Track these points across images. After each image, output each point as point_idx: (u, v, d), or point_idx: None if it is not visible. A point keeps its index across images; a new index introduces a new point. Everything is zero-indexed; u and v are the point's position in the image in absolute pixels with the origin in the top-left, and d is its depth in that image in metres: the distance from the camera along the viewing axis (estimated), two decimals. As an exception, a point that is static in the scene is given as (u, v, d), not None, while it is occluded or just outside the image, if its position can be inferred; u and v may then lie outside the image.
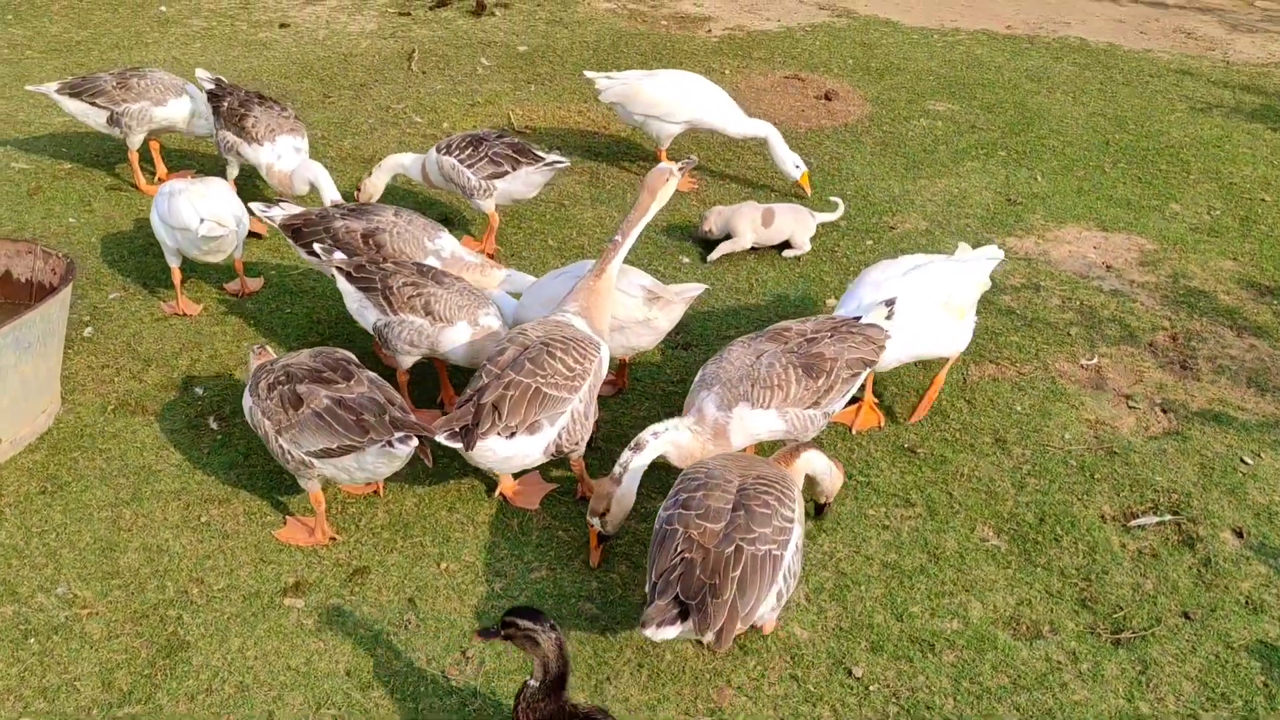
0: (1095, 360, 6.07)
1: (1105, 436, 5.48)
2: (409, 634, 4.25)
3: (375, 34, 10.76)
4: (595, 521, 4.47)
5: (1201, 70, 10.48)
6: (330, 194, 6.35)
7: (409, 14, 11.38)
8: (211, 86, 7.02)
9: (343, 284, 5.26)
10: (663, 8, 11.95)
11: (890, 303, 5.04)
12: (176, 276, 6.13)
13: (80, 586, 4.37)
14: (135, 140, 7.25)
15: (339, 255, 5.38)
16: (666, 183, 5.02)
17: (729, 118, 7.71)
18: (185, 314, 6.15)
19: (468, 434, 4.40)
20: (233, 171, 7.07)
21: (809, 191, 7.70)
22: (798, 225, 6.91)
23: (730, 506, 3.95)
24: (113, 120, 7.12)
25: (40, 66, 9.51)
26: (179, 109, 7.16)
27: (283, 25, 10.88)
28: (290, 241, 5.86)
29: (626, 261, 5.12)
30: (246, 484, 4.95)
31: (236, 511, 4.80)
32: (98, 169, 7.76)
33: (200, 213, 5.74)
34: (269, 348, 4.95)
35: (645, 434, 4.52)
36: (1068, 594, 4.57)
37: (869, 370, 4.95)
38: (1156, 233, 7.46)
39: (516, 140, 6.70)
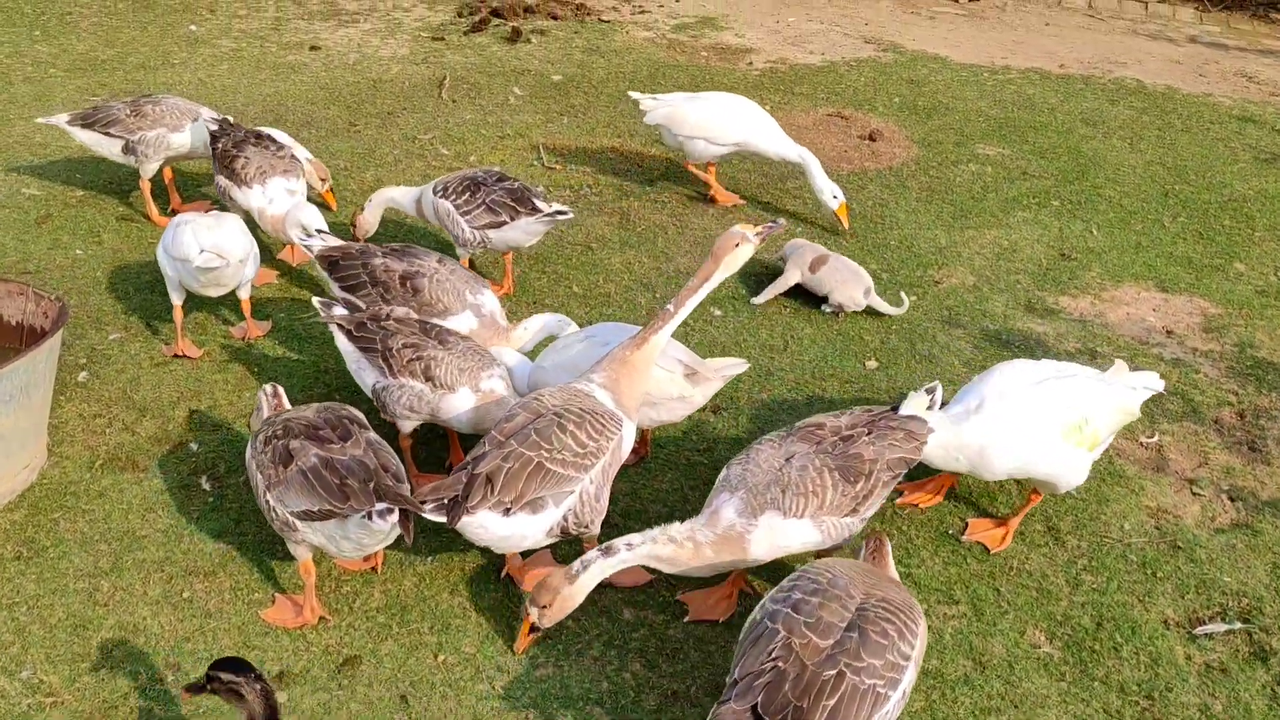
0: (1156, 438, 5.62)
1: (1167, 528, 5.03)
2: (399, 738, 3.88)
3: (407, 59, 10.48)
4: (533, 611, 4.04)
5: (1265, 117, 9.99)
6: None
7: (443, 39, 11.09)
8: (214, 127, 6.69)
9: (341, 342, 4.93)
10: (703, 38, 11.60)
11: (931, 390, 4.57)
12: (178, 315, 5.83)
13: (47, 670, 4.03)
14: (150, 168, 6.97)
15: (338, 311, 5.04)
16: (736, 249, 4.54)
17: (773, 139, 7.56)
18: (186, 356, 5.84)
19: (455, 507, 4.03)
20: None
21: (846, 224, 7.43)
22: (838, 284, 6.47)
23: (844, 624, 3.52)
24: (128, 149, 6.85)
25: (63, 86, 9.28)
26: (196, 134, 6.87)
27: (313, 48, 10.62)
28: (324, 274, 5.52)
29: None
30: (236, 554, 4.60)
31: (222, 586, 4.44)
32: (110, 197, 7.48)
33: (201, 242, 5.49)
34: (283, 390, 4.62)
35: (619, 542, 4.05)
36: (1128, 714, 4.12)
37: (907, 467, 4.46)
38: (1220, 295, 6.99)
39: (516, 185, 6.34)
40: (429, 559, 4.63)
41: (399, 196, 6.55)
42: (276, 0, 12.08)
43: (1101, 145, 9.17)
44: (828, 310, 6.59)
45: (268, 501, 4.16)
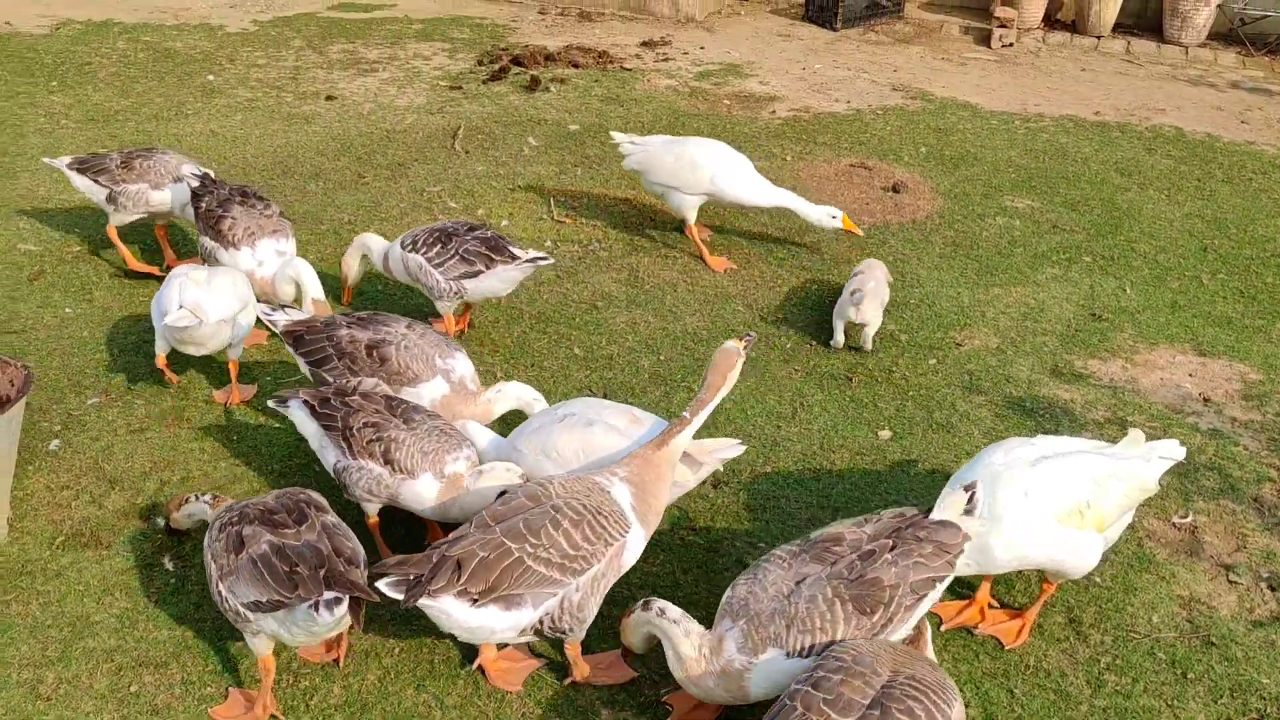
0: (1189, 518, 5.22)
1: (1201, 620, 4.63)
2: None
3: (423, 109, 10.31)
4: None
5: (1312, 167, 9.56)
6: (314, 292, 5.83)
7: (460, 88, 10.93)
8: (195, 184, 6.50)
9: (302, 420, 4.68)
10: (726, 86, 11.36)
11: (970, 488, 4.12)
12: (161, 362, 5.77)
13: (-23, 772, 3.77)
14: (120, 219, 6.85)
15: (298, 397, 4.76)
16: (735, 364, 4.32)
17: (751, 189, 7.25)
18: (173, 381, 5.89)
19: (416, 586, 3.72)
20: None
21: (859, 231, 7.40)
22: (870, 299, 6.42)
23: (867, 702, 3.24)
24: (110, 199, 6.73)
25: (73, 137, 9.20)
26: (175, 195, 6.71)
27: (329, 98, 10.50)
28: (291, 350, 5.32)
29: (641, 408, 4.42)
30: (192, 643, 4.32)
31: (173, 679, 4.16)
32: (107, 252, 7.31)
33: (182, 299, 5.39)
34: (224, 499, 4.42)
35: (679, 613, 3.86)
36: (1153, 841, 3.72)
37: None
38: (1262, 359, 6.58)
39: (490, 234, 6.13)
40: (396, 649, 4.33)
41: (373, 246, 6.34)
42: (297, 50, 12.02)
43: (1137, 196, 8.79)
44: (833, 345, 6.49)
45: (219, 591, 3.90)
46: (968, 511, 4.03)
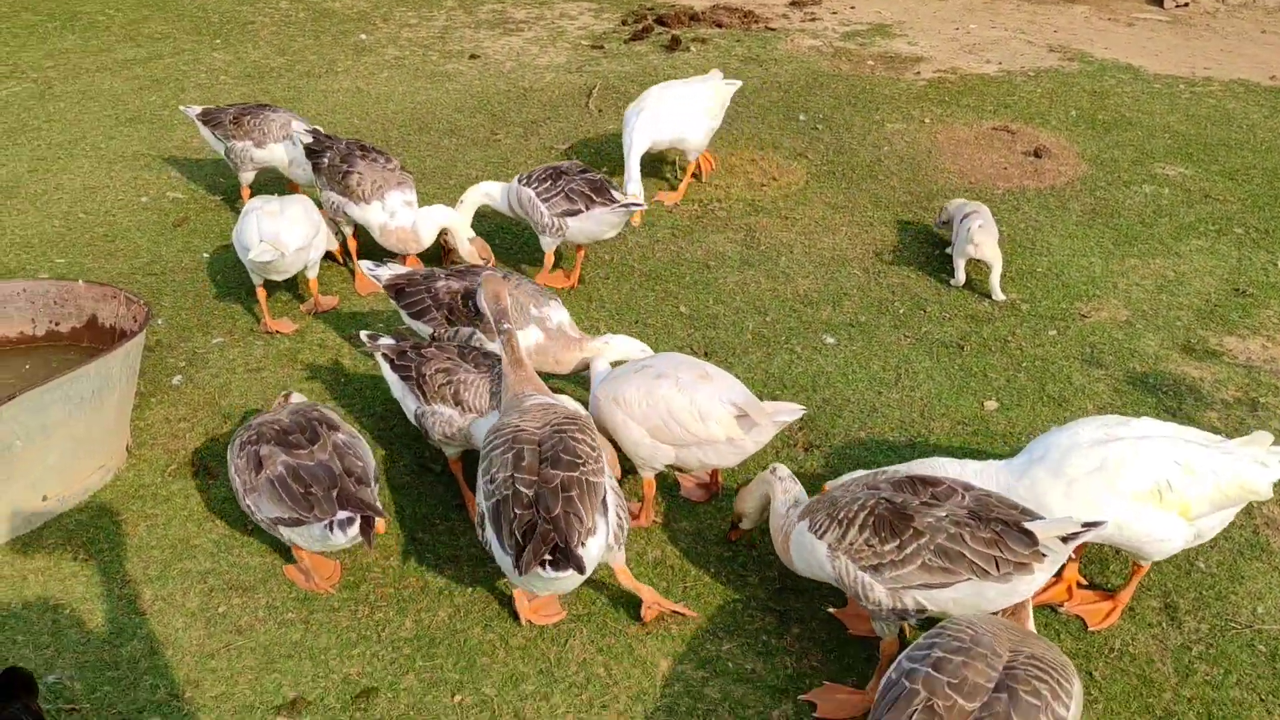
0: (1317, 507, 4.87)
1: (1313, 615, 4.32)
2: (397, 781, 3.69)
3: (563, 68, 10.41)
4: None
5: None
6: (466, 232, 6.14)
7: (602, 47, 10.97)
8: (309, 139, 6.69)
9: (386, 371, 4.88)
10: (872, 46, 11.07)
11: (1093, 525, 3.61)
12: (261, 295, 6.10)
13: (73, 676, 4.03)
14: (243, 177, 7.20)
15: (385, 341, 4.94)
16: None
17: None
18: (278, 332, 6.10)
19: (567, 554, 3.66)
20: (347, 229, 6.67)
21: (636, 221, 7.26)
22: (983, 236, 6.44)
23: (992, 685, 3.15)
24: (227, 153, 7.04)
25: (229, 93, 9.64)
26: (276, 154, 6.98)
27: (473, 56, 10.70)
28: (394, 302, 5.48)
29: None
30: (279, 571, 4.52)
31: (258, 603, 4.37)
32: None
33: (261, 234, 5.70)
34: (295, 394, 4.83)
35: (787, 473, 4.20)
36: (1224, 839, 3.51)
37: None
38: None
39: (596, 177, 6.30)
40: (469, 590, 4.44)
41: (494, 191, 6.51)
42: (448, 10, 12.27)
43: (1305, 167, 8.18)
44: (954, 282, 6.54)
45: (248, 505, 4.30)
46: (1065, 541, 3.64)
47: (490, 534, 3.86)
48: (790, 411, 4.47)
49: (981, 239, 6.34)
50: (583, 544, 3.74)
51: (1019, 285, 6.63)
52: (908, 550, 3.66)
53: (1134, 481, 3.95)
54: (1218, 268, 6.84)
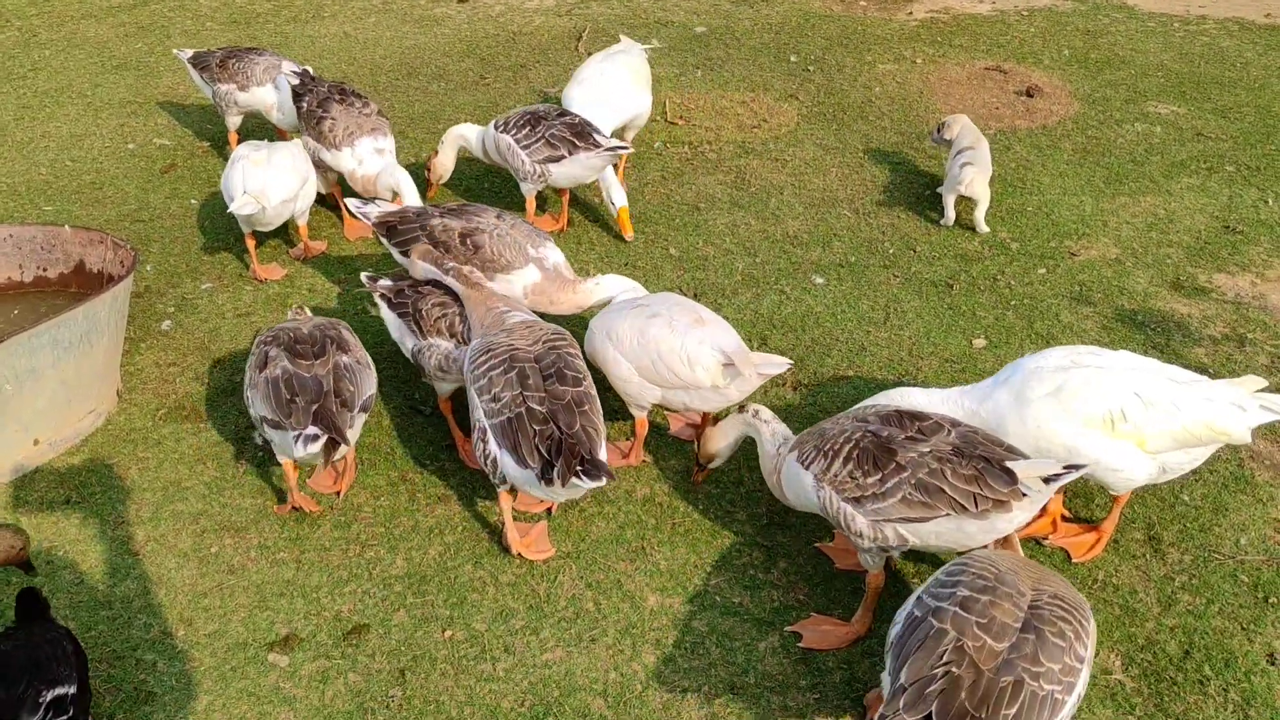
0: (1301, 441, 4.90)
1: (1295, 545, 4.37)
2: (389, 714, 3.74)
3: (552, 10, 10.30)
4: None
5: None
6: (411, 199, 5.95)
7: (592, -11, 10.85)
8: (295, 82, 6.63)
9: (384, 311, 4.89)
10: (865, -14, 10.94)
11: (1074, 468, 3.64)
12: (250, 243, 6.07)
13: (67, 616, 4.07)
14: (229, 121, 7.14)
15: (384, 282, 4.94)
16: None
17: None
18: (267, 279, 6.10)
19: (595, 464, 3.92)
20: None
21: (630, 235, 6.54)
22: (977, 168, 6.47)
23: (1019, 625, 3.16)
24: (214, 96, 6.99)
25: (216, 38, 9.54)
26: (260, 97, 6.91)
27: (461, 0, 10.58)
28: (383, 240, 5.46)
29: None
30: (271, 512, 4.56)
31: (250, 544, 4.41)
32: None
33: (246, 186, 5.67)
34: (308, 309, 4.98)
35: (769, 414, 4.21)
36: (1202, 761, 3.58)
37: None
38: None
39: (576, 120, 6.20)
40: (459, 528, 4.48)
41: (469, 135, 6.44)
42: (436, -47, 12.10)
43: (1298, 104, 8.14)
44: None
45: (247, 397, 4.50)
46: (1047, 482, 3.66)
47: (495, 449, 4.06)
48: (777, 364, 4.42)
49: (970, 177, 6.34)
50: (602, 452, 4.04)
51: (1009, 224, 6.62)
52: (889, 484, 3.70)
53: (1086, 408, 3.99)
54: (1208, 205, 6.82)
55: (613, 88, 6.79)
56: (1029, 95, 8.33)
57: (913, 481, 3.67)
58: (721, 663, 3.90)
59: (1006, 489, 3.61)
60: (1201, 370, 5.32)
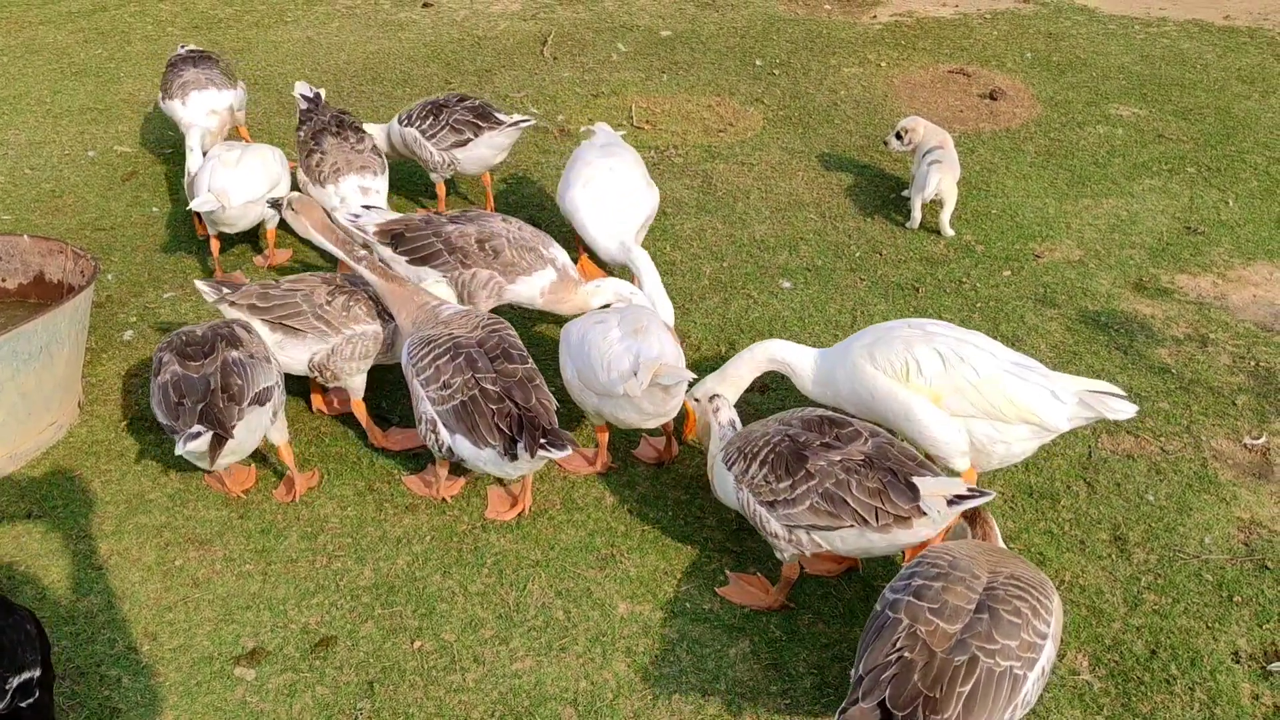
0: (1263, 440, 4.96)
1: (1258, 544, 4.41)
2: (357, 727, 3.71)
3: (516, 15, 10.28)
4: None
5: None
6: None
7: (557, -6, 10.83)
8: (305, 105, 6.39)
9: (263, 332, 4.73)
10: (829, -10, 10.99)
11: (971, 495, 3.66)
12: (214, 246, 6.04)
13: (29, 632, 4.01)
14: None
15: (229, 292, 4.81)
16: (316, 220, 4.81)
17: (592, 228, 5.61)
18: (219, 276, 6.10)
19: (556, 434, 4.09)
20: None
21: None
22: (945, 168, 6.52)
23: (972, 606, 3.21)
24: None
25: (177, 44, 9.42)
26: (171, 109, 6.71)
27: (426, 4, 10.54)
28: (385, 250, 5.22)
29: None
30: (236, 524, 4.51)
31: (215, 556, 4.36)
32: (197, 154, 7.53)
33: (211, 184, 5.66)
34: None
35: (726, 419, 4.30)
36: (1169, 760, 3.61)
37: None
38: (1371, 277, 6.16)
39: (478, 103, 6.32)
40: (427, 537, 4.45)
41: (376, 133, 6.44)
42: (400, -43, 12.04)
43: (1256, 106, 8.25)
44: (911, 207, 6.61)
45: (152, 405, 4.46)
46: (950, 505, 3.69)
47: (447, 436, 4.18)
48: (675, 375, 4.21)
49: (936, 179, 6.38)
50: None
51: (973, 227, 6.66)
52: (799, 490, 3.78)
53: (887, 356, 4.22)
54: (1170, 207, 6.90)
55: (627, 186, 5.74)
56: (992, 98, 8.39)
57: (819, 491, 3.75)
58: (692, 670, 3.90)
59: (908, 505, 3.67)
60: (1164, 371, 5.38)
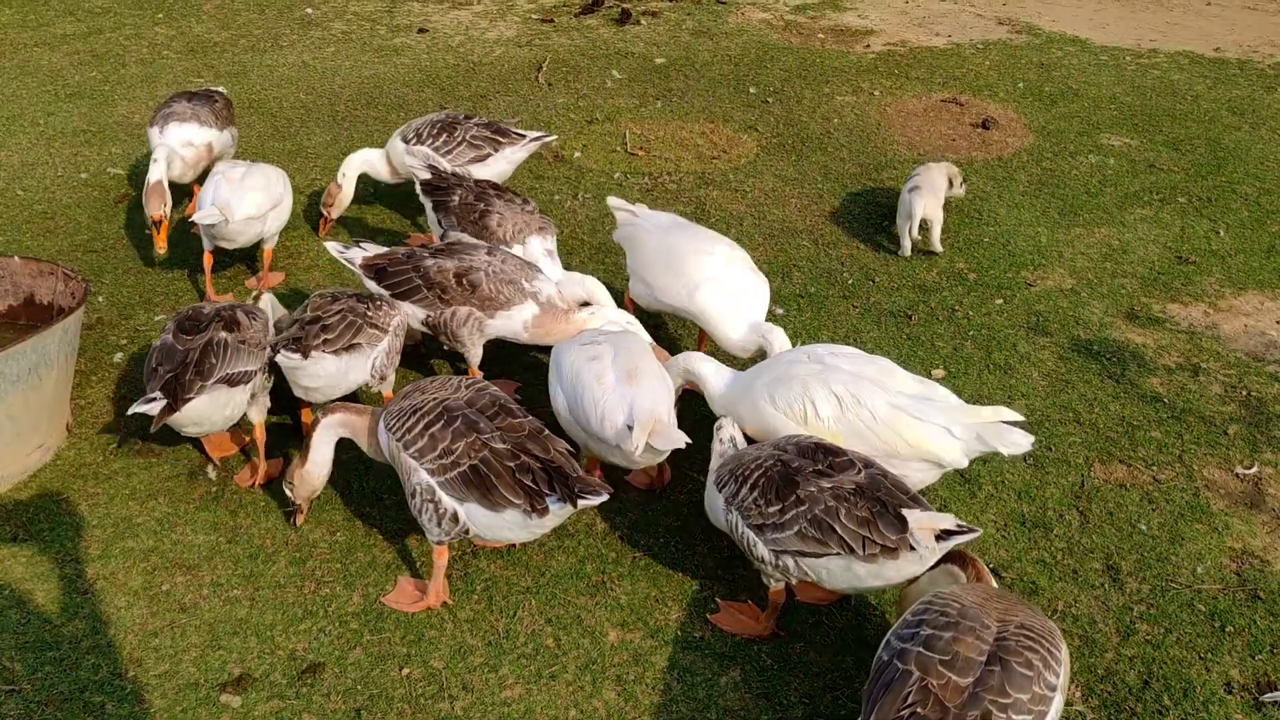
0: (1255, 469, 4.96)
1: (1251, 574, 4.40)
2: (344, 755, 3.67)
3: (512, 41, 10.32)
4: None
5: None
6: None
7: (551, 21, 10.90)
8: (425, 175, 5.96)
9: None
10: (823, 19, 11.07)
11: (960, 530, 3.64)
12: (207, 261, 6.06)
13: (13, 657, 3.96)
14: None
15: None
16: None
17: (728, 325, 5.15)
18: (211, 298, 6.09)
19: (587, 484, 3.93)
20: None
21: None
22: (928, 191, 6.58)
23: (984, 658, 3.16)
24: None
25: (172, 69, 9.47)
26: (150, 135, 6.63)
27: (421, 30, 10.58)
28: (371, 285, 5.23)
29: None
30: (224, 549, 4.48)
31: (202, 581, 4.32)
32: (191, 177, 7.53)
33: (214, 198, 5.71)
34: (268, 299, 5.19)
35: (731, 429, 4.29)
36: (1163, 793, 3.58)
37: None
38: (1361, 308, 6.18)
39: (487, 121, 6.32)
40: (417, 563, 4.41)
41: (373, 158, 6.43)
42: (396, -17, 12.12)
43: (1246, 137, 8.30)
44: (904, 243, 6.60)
45: None
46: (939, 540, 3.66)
47: (452, 504, 3.97)
48: (671, 440, 4.16)
49: (918, 205, 6.50)
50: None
51: (966, 255, 6.68)
52: (788, 515, 3.77)
53: (786, 399, 4.25)
54: (1161, 236, 6.92)
55: (745, 280, 5.25)
56: (985, 127, 8.43)
57: (809, 516, 3.72)
58: (683, 698, 3.86)
59: (895, 536, 3.63)
60: (1156, 400, 5.38)
